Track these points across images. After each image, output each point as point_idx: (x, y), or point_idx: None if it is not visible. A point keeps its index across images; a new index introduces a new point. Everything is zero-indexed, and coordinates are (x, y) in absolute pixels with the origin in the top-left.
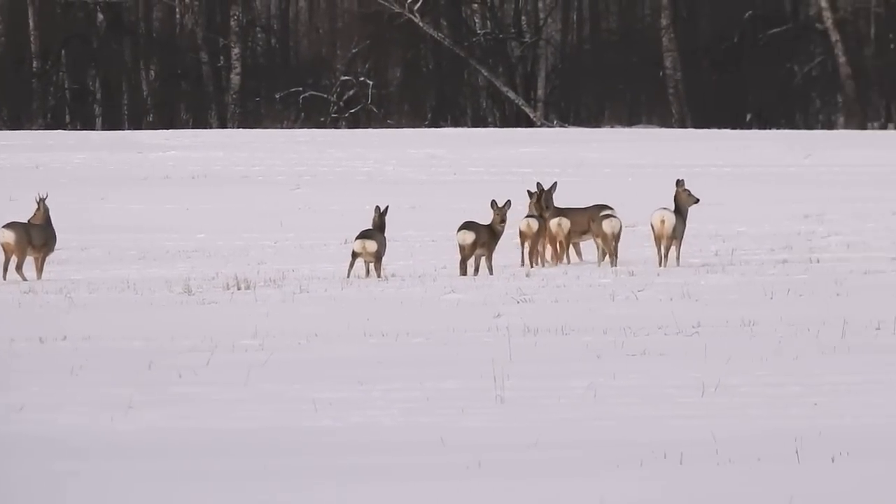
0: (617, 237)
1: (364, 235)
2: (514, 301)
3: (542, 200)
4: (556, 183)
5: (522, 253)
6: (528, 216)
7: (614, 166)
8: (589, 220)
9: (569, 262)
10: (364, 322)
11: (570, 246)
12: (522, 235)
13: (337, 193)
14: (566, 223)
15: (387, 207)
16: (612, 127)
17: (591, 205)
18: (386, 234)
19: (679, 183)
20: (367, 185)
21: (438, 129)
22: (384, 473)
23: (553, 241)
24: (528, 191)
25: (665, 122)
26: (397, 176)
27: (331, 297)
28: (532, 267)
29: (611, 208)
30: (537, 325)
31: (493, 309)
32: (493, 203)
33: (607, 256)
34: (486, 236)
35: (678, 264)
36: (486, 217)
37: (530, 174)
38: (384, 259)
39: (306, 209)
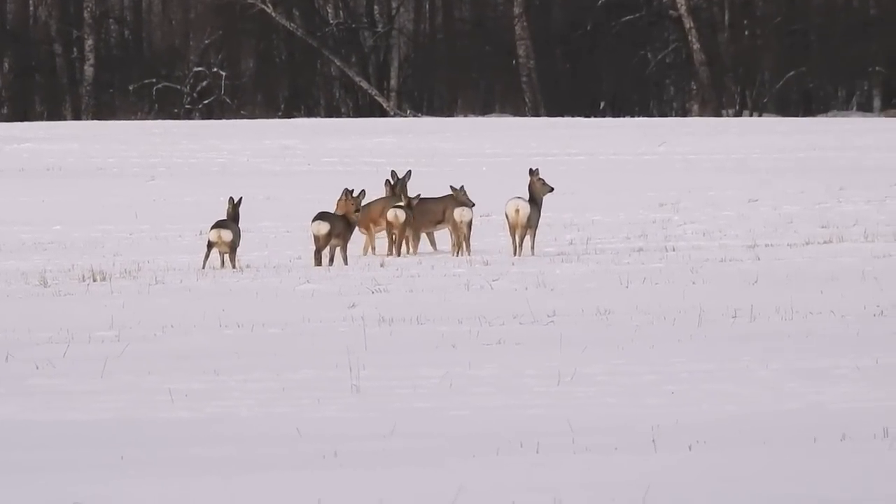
0: (469, 226)
1: (219, 225)
2: (369, 291)
3: (395, 190)
4: (409, 172)
5: (391, 242)
6: (395, 206)
7: (468, 156)
8: (443, 209)
9: (412, 251)
10: (220, 313)
11: (425, 236)
12: (390, 225)
13: (191, 185)
14: (402, 215)
15: (241, 199)
16: (465, 116)
17: (445, 195)
18: (240, 225)
19: (533, 172)
20: (221, 177)
21: (292, 119)
22: (241, 464)
23: (389, 232)
24: (387, 180)
25: (519, 112)
26: (251, 167)
27: (186, 287)
28: (397, 255)
29: (464, 197)
30: (392, 314)
31: (348, 299)
32: (347, 193)
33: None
34: (340, 227)
35: (533, 253)
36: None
37: (384, 164)
38: (238, 250)
39: (161, 201)
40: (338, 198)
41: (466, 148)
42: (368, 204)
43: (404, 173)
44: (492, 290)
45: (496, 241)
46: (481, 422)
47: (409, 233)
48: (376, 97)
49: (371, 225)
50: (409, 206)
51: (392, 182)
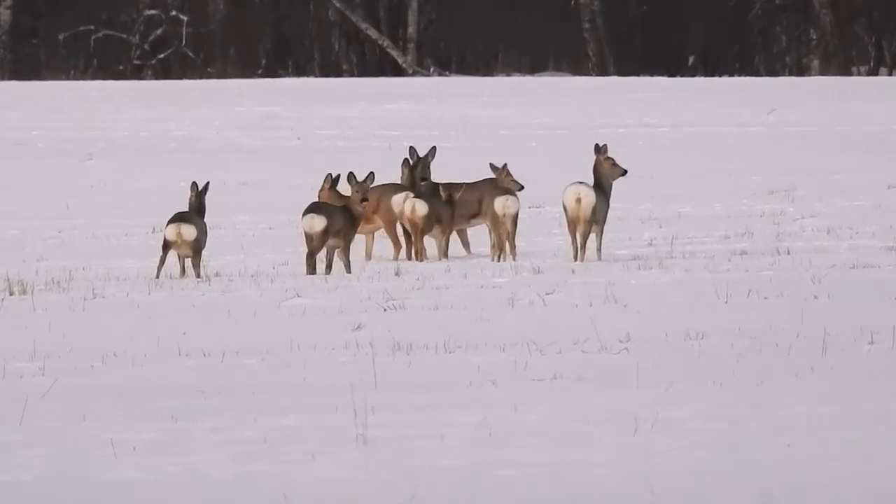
0: (514, 221)
1: (179, 219)
2: (380, 308)
3: (415, 172)
4: (433, 149)
5: (412, 244)
6: (411, 195)
7: (512, 127)
8: (479, 198)
9: (438, 254)
10: (179, 337)
11: (455, 234)
12: (408, 221)
13: (141, 166)
14: (422, 207)
15: (207, 184)
16: (508, 75)
17: (480, 179)
18: (207, 220)
19: (599, 149)
20: (181, 155)
21: (276, 79)
22: None
23: (403, 228)
24: (406, 159)
25: (580, 69)
26: (222, 142)
27: (134, 303)
28: (418, 260)
29: (508, 181)
30: (410, 339)
31: (351, 318)
32: (351, 177)
33: (507, 245)
34: (341, 222)
35: (599, 258)
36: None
37: (399, 139)
38: (205, 252)
39: (101, 187)
40: (321, 184)
41: (510, 117)
42: (379, 187)
43: (427, 151)
44: (545, 307)
45: (550, 241)
46: (531, 486)
47: (434, 230)
48: (389, 50)
49: (381, 220)
50: (449, 199)
51: (411, 162)
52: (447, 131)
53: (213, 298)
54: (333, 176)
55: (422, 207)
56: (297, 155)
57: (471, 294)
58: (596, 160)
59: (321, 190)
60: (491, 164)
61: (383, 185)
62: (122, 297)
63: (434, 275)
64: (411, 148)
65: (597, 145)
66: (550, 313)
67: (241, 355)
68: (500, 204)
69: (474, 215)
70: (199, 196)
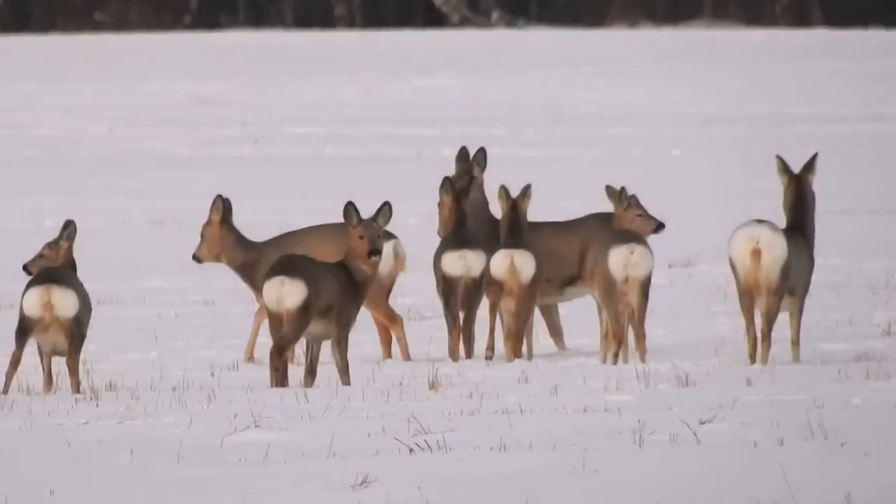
0: (643, 289)
1: (47, 281)
2: (404, 447)
3: (462, 201)
4: (482, 151)
5: (453, 327)
6: (504, 246)
7: (639, 120)
8: (580, 248)
9: (528, 352)
10: (46, 499)
11: (538, 311)
12: (491, 290)
13: None
14: (528, 264)
15: (70, 223)
16: (631, 26)
17: (581, 217)
18: (85, 283)
19: (621, 197)
20: (42, 170)
21: (216, 33)
22: None
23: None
24: (447, 179)
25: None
26: (118, 147)
27: None
28: (514, 358)
29: (632, 215)
30: (455, 502)
31: (352, 467)
32: (351, 211)
33: (630, 333)
34: (333, 291)
35: (796, 355)
36: (331, 243)
37: (434, 140)
38: (87, 346)
39: None
40: (208, 215)
41: (635, 101)
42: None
43: (476, 151)
44: (697, 446)
45: (707, 327)
46: None
47: (510, 306)
48: None
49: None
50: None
51: (453, 186)
52: (519, 126)
53: (102, 432)
54: (223, 201)
55: (528, 264)
56: (251, 170)
57: (564, 422)
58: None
59: (206, 224)
60: (607, 189)
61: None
62: None
63: (498, 386)
64: (482, 151)
65: (614, 190)
66: (707, 457)
67: None
68: (620, 259)
69: (572, 280)
70: (67, 241)
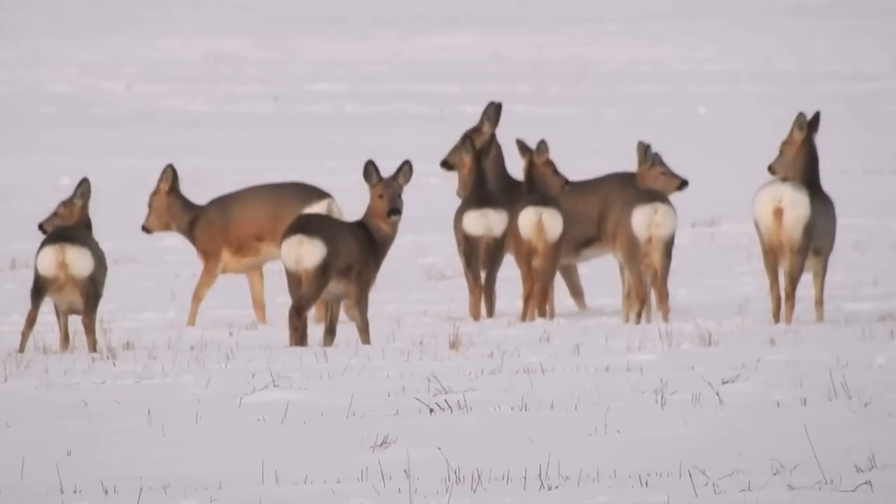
0: (666, 247)
1: (61, 239)
2: (424, 407)
3: (483, 159)
4: (494, 106)
5: (473, 286)
6: (530, 203)
7: (665, 78)
8: (600, 207)
9: (550, 312)
10: (61, 460)
11: (559, 273)
12: (521, 246)
13: None
14: (555, 219)
15: (84, 182)
16: None
17: (602, 176)
18: (101, 242)
19: (646, 153)
20: (60, 129)
21: None
22: None
23: (467, 257)
24: (467, 136)
25: None
26: (135, 105)
27: None
28: (536, 317)
29: (657, 173)
30: (478, 466)
31: (371, 426)
32: (371, 170)
33: (652, 293)
34: (353, 251)
35: (820, 315)
36: (351, 203)
37: (456, 98)
38: (103, 305)
39: None
40: (156, 184)
41: (661, 58)
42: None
43: (492, 104)
44: (720, 407)
45: (731, 287)
46: None
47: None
48: None
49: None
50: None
51: (490, 119)
52: (543, 84)
53: (120, 390)
54: (174, 170)
55: (556, 222)
56: (271, 128)
57: (586, 382)
58: (639, 171)
59: (154, 194)
60: (639, 144)
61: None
62: None
63: (520, 346)
64: (493, 105)
65: (641, 146)
66: (729, 417)
67: (171, 494)
68: (643, 219)
69: (589, 241)
70: (83, 200)
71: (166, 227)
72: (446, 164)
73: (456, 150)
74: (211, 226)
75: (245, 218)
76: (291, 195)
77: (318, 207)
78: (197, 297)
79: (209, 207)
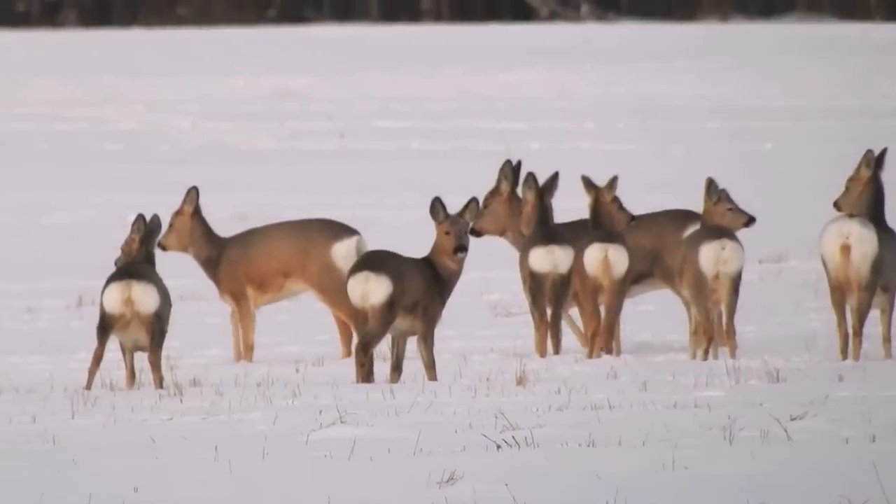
0: (734, 284)
1: (127, 276)
2: (491, 443)
3: (546, 196)
4: (513, 163)
5: (540, 325)
6: (596, 239)
7: (729, 114)
8: (659, 246)
9: (617, 348)
10: (128, 496)
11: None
12: (587, 282)
13: (51, 185)
14: (621, 255)
15: (157, 219)
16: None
17: (655, 213)
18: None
19: (711, 190)
20: (126, 165)
21: (301, 27)
22: None
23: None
24: (531, 175)
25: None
26: (201, 141)
27: (46, 435)
28: (602, 354)
29: (723, 209)
30: (545, 500)
31: (438, 462)
32: (438, 207)
33: (721, 329)
34: (419, 287)
35: (888, 352)
36: (416, 239)
37: (523, 135)
38: (168, 342)
39: None
40: (180, 206)
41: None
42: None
43: (508, 162)
44: (788, 443)
45: (797, 323)
46: None
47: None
48: None
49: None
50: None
51: (507, 178)
52: (609, 120)
53: (186, 426)
54: (197, 193)
55: (621, 259)
56: (337, 164)
57: (653, 418)
58: (705, 208)
59: (177, 214)
60: (708, 183)
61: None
62: (22, 425)
63: (587, 382)
64: (509, 164)
65: (710, 182)
66: (798, 454)
67: None
68: (711, 255)
69: (640, 277)
70: (149, 236)
71: (184, 249)
72: (474, 232)
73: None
74: (233, 264)
75: (271, 254)
76: (319, 231)
77: (346, 244)
78: (248, 346)
79: (231, 245)
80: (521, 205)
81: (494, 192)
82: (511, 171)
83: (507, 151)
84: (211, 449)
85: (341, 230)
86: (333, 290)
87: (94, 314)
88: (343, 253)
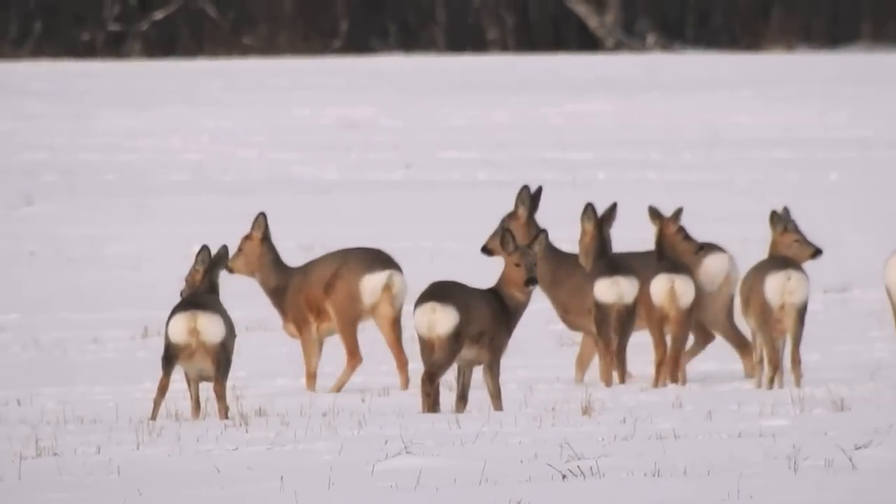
0: (801, 314)
1: (192, 307)
2: (556, 473)
3: (605, 227)
4: (533, 190)
5: (605, 353)
6: (663, 270)
7: (797, 144)
8: (726, 276)
9: (682, 377)
10: None
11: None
12: (653, 313)
13: (117, 216)
14: (687, 285)
15: (224, 249)
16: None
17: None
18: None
19: (776, 220)
20: (190, 196)
21: (366, 58)
22: None
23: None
24: (589, 206)
25: None
26: (266, 172)
27: (111, 466)
28: (668, 383)
29: (790, 239)
30: None
31: (505, 492)
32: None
33: (789, 361)
34: (485, 317)
35: None
36: (483, 270)
37: (589, 164)
38: (233, 372)
39: (44, 255)
40: (249, 231)
41: (792, 125)
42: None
43: (526, 188)
44: (853, 472)
45: (863, 351)
46: None
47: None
48: (571, 6)
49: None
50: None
51: (524, 203)
52: (675, 151)
53: (252, 457)
54: (265, 219)
55: (687, 289)
56: (402, 195)
57: (718, 448)
58: (773, 238)
59: (247, 238)
60: (772, 214)
61: (352, 250)
62: (87, 456)
63: (652, 412)
64: (526, 189)
65: (784, 212)
66: (863, 483)
67: None
68: (776, 285)
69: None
70: (213, 268)
71: (251, 274)
72: (486, 250)
73: (494, 236)
74: (296, 293)
75: (321, 281)
76: (354, 260)
77: (377, 277)
78: (310, 374)
79: (296, 273)
80: (580, 235)
81: (511, 216)
82: (528, 196)
83: (572, 181)
84: (276, 479)
85: (375, 261)
86: (347, 318)
87: (159, 345)
88: (371, 285)
